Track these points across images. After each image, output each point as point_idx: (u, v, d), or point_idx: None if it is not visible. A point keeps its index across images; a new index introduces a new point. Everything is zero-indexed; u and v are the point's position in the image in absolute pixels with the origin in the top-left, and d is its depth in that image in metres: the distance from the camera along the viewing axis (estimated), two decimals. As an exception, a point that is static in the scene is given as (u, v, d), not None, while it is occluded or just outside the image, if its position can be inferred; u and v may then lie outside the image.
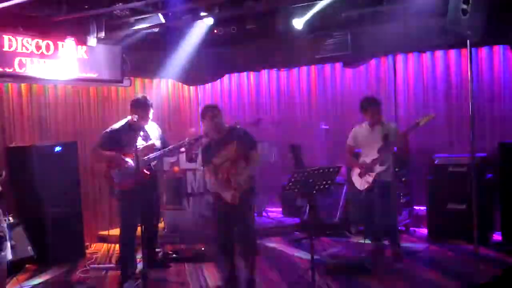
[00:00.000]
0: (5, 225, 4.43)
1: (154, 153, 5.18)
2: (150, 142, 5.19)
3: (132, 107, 5.19)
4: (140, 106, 5.17)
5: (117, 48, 6.76)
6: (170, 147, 5.32)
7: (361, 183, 5.46)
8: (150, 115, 5.24)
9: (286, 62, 7.90)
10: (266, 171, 7.47)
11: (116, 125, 5.27)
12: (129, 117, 5.18)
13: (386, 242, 5.52)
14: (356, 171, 5.53)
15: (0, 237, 4.37)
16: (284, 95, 8.49)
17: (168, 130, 7.85)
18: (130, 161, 4.98)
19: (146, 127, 5.24)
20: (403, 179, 6.66)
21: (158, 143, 5.29)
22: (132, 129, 5.06)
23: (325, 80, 8.11)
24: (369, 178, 5.37)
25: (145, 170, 5.04)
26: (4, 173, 4.52)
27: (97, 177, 6.87)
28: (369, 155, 5.39)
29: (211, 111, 4.68)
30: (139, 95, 5.57)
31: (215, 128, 4.64)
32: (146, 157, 5.08)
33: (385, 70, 7.52)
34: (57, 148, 6.09)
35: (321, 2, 5.86)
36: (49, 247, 5.86)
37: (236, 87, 8.79)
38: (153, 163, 5.22)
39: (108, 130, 5.27)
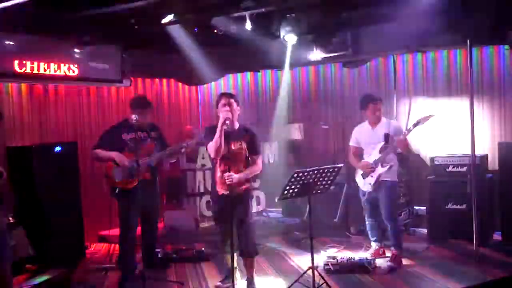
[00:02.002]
0: (5, 226, 4.42)
1: (154, 154, 5.18)
2: (149, 142, 5.19)
3: (131, 107, 5.19)
4: (139, 105, 5.17)
5: (117, 48, 6.76)
6: (170, 149, 5.32)
7: (364, 183, 5.45)
8: (149, 115, 5.24)
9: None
10: (266, 171, 7.49)
11: (116, 125, 5.28)
12: (129, 117, 5.18)
13: (388, 242, 5.53)
14: (359, 172, 5.52)
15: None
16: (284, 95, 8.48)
17: (168, 130, 7.86)
18: (130, 161, 4.97)
19: (146, 127, 5.24)
20: (403, 179, 6.66)
21: (157, 143, 5.29)
22: (132, 129, 5.06)
23: (325, 80, 8.12)
24: (371, 180, 5.35)
25: (145, 170, 5.04)
26: (4, 174, 4.50)
27: (97, 177, 6.86)
28: (371, 155, 5.38)
29: (230, 98, 4.64)
30: (138, 95, 5.59)
31: (231, 117, 4.55)
32: (146, 158, 5.08)
33: (385, 70, 7.52)
34: (57, 148, 6.08)
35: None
36: (49, 247, 5.85)
37: (236, 87, 8.79)
38: (153, 163, 5.22)
39: (108, 129, 5.28)
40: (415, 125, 5.10)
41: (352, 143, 5.63)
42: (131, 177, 4.98)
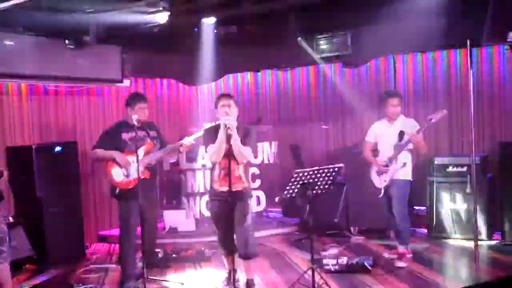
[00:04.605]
0: (5, 226, 4.43)
1: (153, 153, 5.18)
2: (149, 141, 5.19)
3: (127, 104, 5.17)
4: (139, 99, 5.16)
5: (117, 48, 6.76)
6: (170, 146, 5.32)
7: (379, 181, 5.44)
8: (146, 111, 5.21)
9: (286, 62, 7.90)
10: (266, 171, 7.49)
11: (115, 125, 5.26)
12: (128, 117, 5.17)
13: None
14: (374, 168, 5.50)
15: (0, 238, 4.36)
16: (284, 95, 8.49)
17: (168, 130, 7.87)
18: (131, 160, 4.97)
19: (145, 126, 5.23)
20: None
21: (156, 142, 5.29)
22: (131, 128, 5.05)
23: (325, 80, 8.12)
24: (386, 177, 5.35)
25: (145, 170, 5.05)
26: (5, 173, 4.50)
27: (97, 177, 6.87)
28: (386, 152, 5.37)
29: (229, 99, 4.62)
30: (133, 92, 5.53)
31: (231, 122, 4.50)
32: (146, 157, 5.08)
33: (385, 70, 7.53)
34: (57, 148, 6.08)
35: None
36: (49, 247, 5.85)
37: (236, 87, 8.79)
38: (153, 162, 5.22)
39: (107, 129, 5.27)
40: (428, 121, 5.11)
41: (368, 138, 5.58)
42: (131, 177, 4.98)
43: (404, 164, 5.28)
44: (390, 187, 5.35)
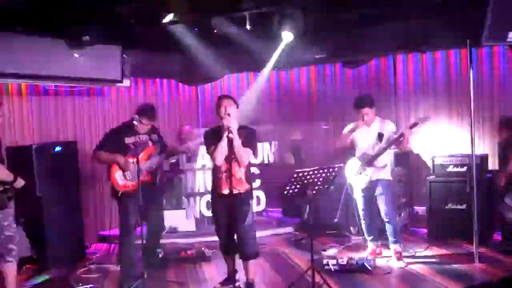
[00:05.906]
0: (15, 226, 4.45)
1: (155, 157, 5.19)
2: (150, 145, 5.20)
3: (140, 112, 5.13)
4: (147, 113, 5.14)
5: (117, 48, 6.76)
6: (170, 150, 5.34)
7: (359, 182, 5.46)
8: (154, 123, 5.25)
9: (286, 62, 7.90)
10: (266, 171, 7.49)
11: (118, 128, 5.22)
12: (132, 120, 5.15)
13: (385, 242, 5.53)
14: (351, 170, 5.51)
15: (10, 236, 4.38)
16: (284, 95, 8.49)
17: (167, 130, 7.86)
18: (132, 164, 4.97)
19: (146, 130, 5.23)
20: (403, 179, 6.67)
21: (157, 146, 5.30)
22: (134, 132, 5.06)
23: (325, 80, 8.12)
24: (366, 178, 5.36)
25: (147, 173, 5.07)
26: (19, 179, 4.53)
27: (97, 177, 6.87)
28: (364, 153, 5.39)
29: (229, 101, 4.58)
30: (147, 103, 5.47)
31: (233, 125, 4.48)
32: (147, 161, 5.10)
33: (385, 70, 7.53)
34: (57, 148, 6.08)
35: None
36: (49, 247, 5.85)
37: (236, 87, 8.80)
38: (154, 166, 5.23)
39: (110, 132, 5.22)
40: (412, 126, 5.08)
41: (343, 133, 5.54)
42: (132, 181, 4.98)
43: (385, 165, 5.33)
44: (373, 189, 5.37)
